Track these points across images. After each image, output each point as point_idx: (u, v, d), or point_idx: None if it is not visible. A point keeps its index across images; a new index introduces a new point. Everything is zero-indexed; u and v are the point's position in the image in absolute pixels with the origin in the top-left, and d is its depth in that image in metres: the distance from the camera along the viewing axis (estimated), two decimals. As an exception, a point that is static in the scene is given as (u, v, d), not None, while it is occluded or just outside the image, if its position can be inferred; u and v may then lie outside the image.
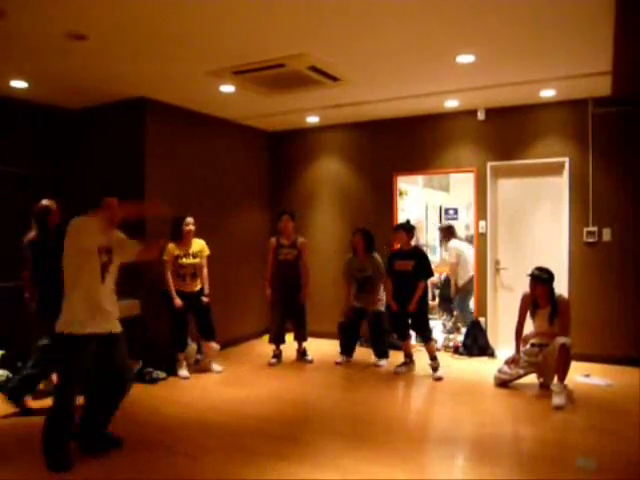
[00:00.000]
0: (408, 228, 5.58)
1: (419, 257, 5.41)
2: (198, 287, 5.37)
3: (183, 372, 5.27)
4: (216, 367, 5.48)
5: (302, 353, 5.96)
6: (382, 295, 5.80)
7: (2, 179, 5.35)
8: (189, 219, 5.30)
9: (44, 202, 4.76)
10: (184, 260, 5.27)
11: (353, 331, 5.92)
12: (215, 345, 5.47)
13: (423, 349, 5.99)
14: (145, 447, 3.60)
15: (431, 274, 5.59)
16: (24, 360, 5.18)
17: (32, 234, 4.71)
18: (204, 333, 5.42)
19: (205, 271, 5.42)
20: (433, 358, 5.31)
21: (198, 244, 5.38)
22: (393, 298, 5.45)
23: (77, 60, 4.39)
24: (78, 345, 3.24)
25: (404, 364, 5.47)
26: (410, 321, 5.48)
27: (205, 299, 5.38)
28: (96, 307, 3.33)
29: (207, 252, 5.43)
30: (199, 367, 5.54)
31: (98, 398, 3.46)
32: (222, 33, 3.91)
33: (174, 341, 5.34)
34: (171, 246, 5.23)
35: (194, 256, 5.33)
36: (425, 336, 5.40)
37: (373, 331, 5.86)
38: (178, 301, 5.17)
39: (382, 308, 5.78)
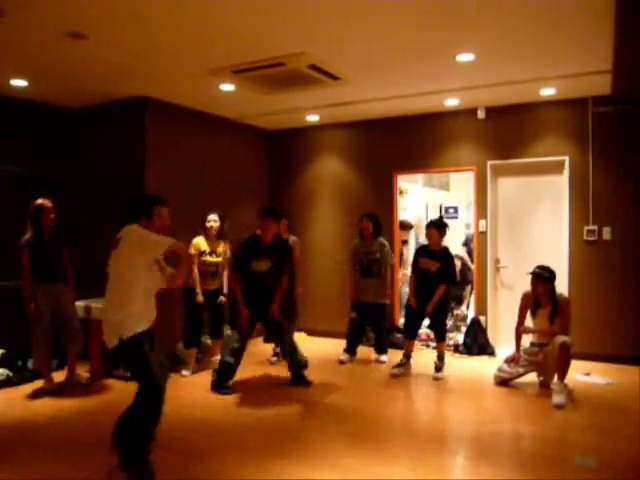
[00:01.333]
0: (440, 226, 5.28)
1: (446, 260, 5.21)
2: (215, 286, 5.33)
3: (184, 371, 5.26)
4: None
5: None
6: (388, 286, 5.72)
7: (2, 178, 5.36)
8: (211, 216, 5.25)
9: (38, 201, 4.75)
10: (208, 258, 5.23)
11: (360, 330, 5.90)
12: None
13: (423, 348, 6.01)
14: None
15: (455, 280, 5.43)
16: (24, 359, 5.20)
17: (28, 234, 4.71)
18: (215, 332, 5.45)
19: (226, 272, 5.38)
20: (440, 358, 5.25)
21: (221, 244, 5.34)
22: (414, 295, 5.32)
23: (77, 59, 4.39)
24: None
25: (400, 365, 5.34)
26: (429, 320, 5.44)
27: (223, 299, 5.37)
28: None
29: (229, 254, 5.35)
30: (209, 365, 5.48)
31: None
32: (222, 32, 3.91)
33: (188, 337, 5.32)
34: (199, 240, 5.20)
35: (217, 255, 5.30)
36: (441, 336, 5.33)
37: (375, 325, 5.85)
38: (201, 297, 5.13)
39: (387, 301, 5.73)
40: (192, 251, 5.12)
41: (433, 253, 5.25)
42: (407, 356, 5.39)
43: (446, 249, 5.34)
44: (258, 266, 4.76)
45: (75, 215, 5.83)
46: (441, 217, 5.56)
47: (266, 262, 4.77)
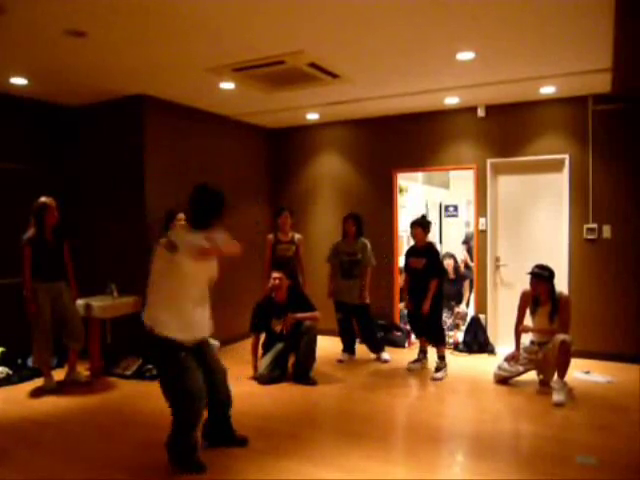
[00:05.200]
0: (424, 224, 5.44)
1: (430, 255, 5.30)
2: None
3: None
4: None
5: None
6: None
7: (2, 176, 5.35)
8: (181, 215, 4.94)
9: (42, 199, 4.76)
10: None
11: (350, 328, 5.91)
12: (216, 342, 5.47)
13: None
14: (144, 446, 3.61)
15: (442, 273, 5.46)
16: (24, 357, 5.21)
17: (31, 232, 4.72)
18: None
19: None
20: (441, 358, 5.25)
21: None
22: (408, 296, 5.45)
23: (76, 57, 4.37)
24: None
25: (417, 360, 5.44)
26: (425, 325, 5.42)
27: None
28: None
29: None
30: None
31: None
32: (222, 30, 3.89)
33: None
34: None
35: None
36: (437, 340, 5.33)
37: (362, 326, 5.86)
38: None
39: (367, 301, 5.72)
40: None
41: (419, 251, 5.37)
42: (423, 351, 5.50)
43: (430, 244, 5.47)
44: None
45: (74, 214, 5.83)
46: (424, 215, 5.69)
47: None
